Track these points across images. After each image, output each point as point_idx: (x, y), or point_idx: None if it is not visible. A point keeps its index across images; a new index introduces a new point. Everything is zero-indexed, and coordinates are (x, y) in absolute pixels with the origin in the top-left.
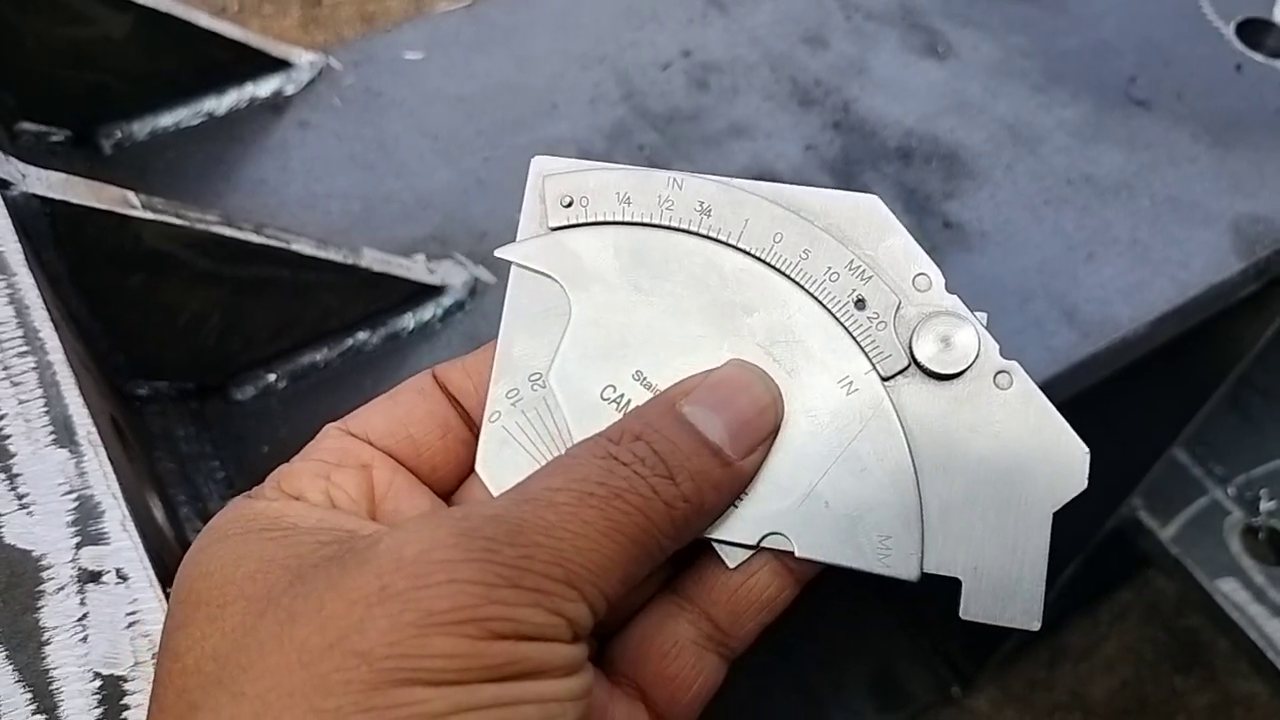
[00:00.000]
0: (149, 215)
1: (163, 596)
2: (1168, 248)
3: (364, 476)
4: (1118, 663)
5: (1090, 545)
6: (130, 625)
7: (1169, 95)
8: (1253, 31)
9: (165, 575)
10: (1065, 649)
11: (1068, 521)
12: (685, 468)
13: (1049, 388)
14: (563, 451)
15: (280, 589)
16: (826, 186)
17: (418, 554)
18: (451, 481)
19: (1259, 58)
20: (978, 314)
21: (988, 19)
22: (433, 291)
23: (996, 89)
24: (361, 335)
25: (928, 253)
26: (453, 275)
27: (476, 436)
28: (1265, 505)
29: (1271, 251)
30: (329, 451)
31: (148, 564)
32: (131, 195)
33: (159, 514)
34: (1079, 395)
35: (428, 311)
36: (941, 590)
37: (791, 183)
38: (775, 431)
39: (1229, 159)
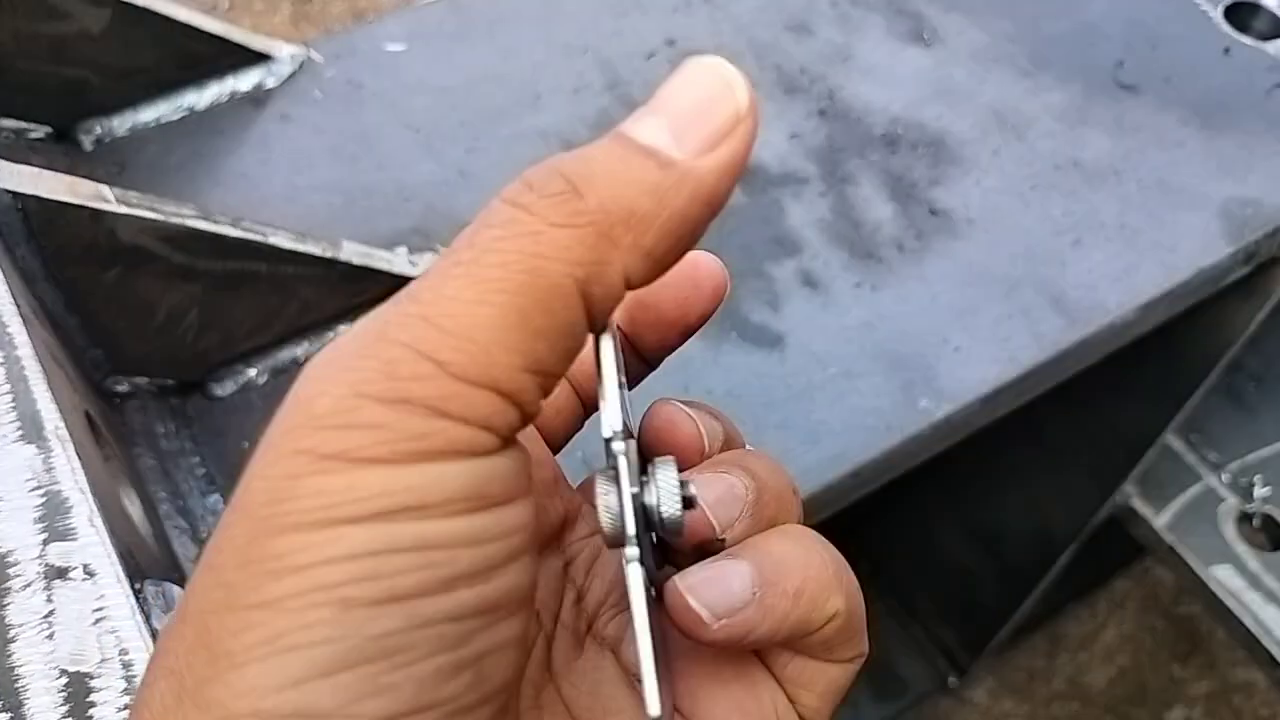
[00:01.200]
0: (123, 210)
1: (131, 594)
2: (1156, 232)
3: None
4: (1116, 651)
5: (1085, 533)
6: (97, 622)
7: (1157, 79)
8: (1241, 14)
9: (136, 572)
10: (1063, 638)
11: (1062, 509)
12: (596, 180)
13: (1037, 374)
14: None
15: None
16: (811, 174)
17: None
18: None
19: (1247, 40)
20: None
21: (973, 4)
22: None
23: (983, 74)
24: (342, 329)
25: (913, 240)
26: None
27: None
28: (1259, 491)
29: (1261, 235)
30: None
31: (115, 560)
32: (105, 189)
33: (135, 511)
34: (1069, 381)
35: None
36: (933, 580)
37: (776, 170)
38: (744, 122)
39: (1217, 142)
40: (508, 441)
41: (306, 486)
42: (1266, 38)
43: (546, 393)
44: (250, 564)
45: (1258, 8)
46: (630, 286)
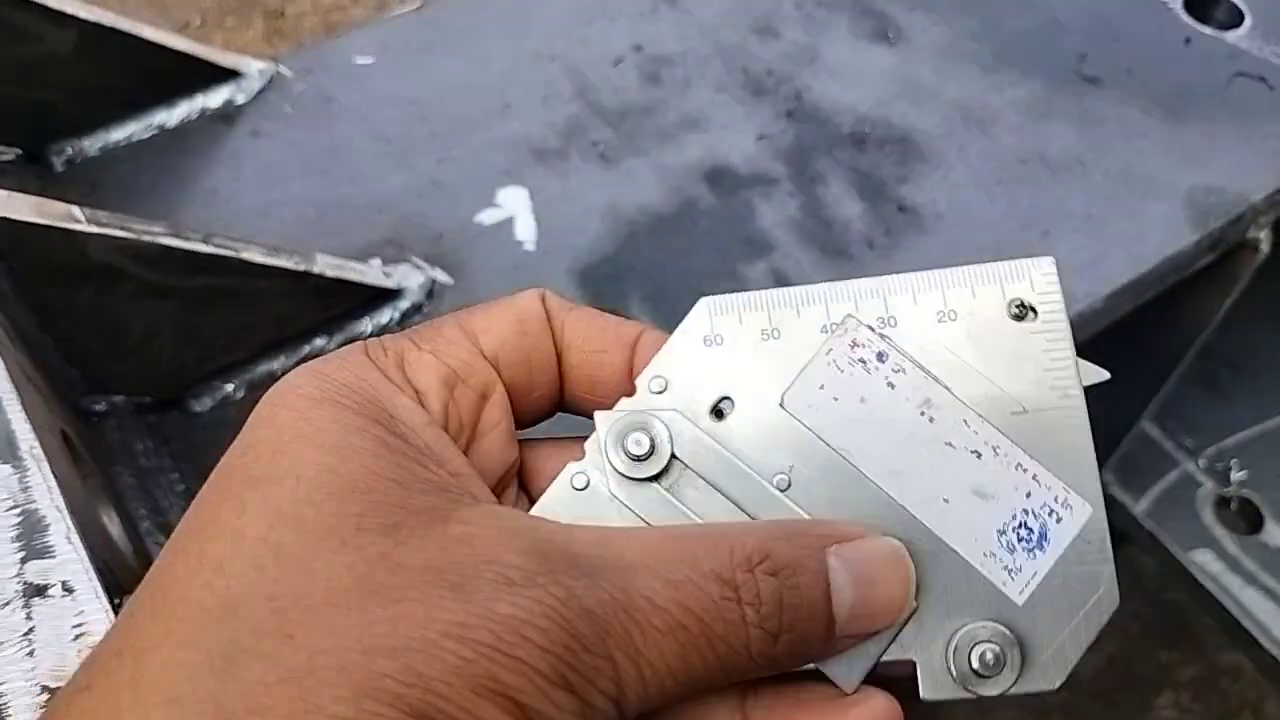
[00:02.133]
0: (94, 229)
1: (110, 609)
2: (1122, 222)
3: (479, 407)
4: (1103, 639)
5: None
6: (77, 638)
7: (1119, 71)
8: (1201, 5)
9: (115, 588)
10: None
11: None
12: (796, 628)
13: None
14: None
15: (377, 524)
16: (780, 174)
17: (508, 615)
18: (532, 421)
19: (1207, 30)
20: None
21: (936, 2)
22: (389, 295)
23: (947, 72)
24: (319, 341)
25: (883, 236)
26: (409, 278)
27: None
28: (1236, 475)
29: (1225, 222)
30: (461, 363)
31: (94, 576)
32: (76, 209)
33: (115, 529)
34: None
35: (385, 315)
36: None
37: (745, 172)
38: (889, 629)
39: (1180, 132)
40: None
41: None
42: (1226, 27)
43: None
44: None
45: None
46: None
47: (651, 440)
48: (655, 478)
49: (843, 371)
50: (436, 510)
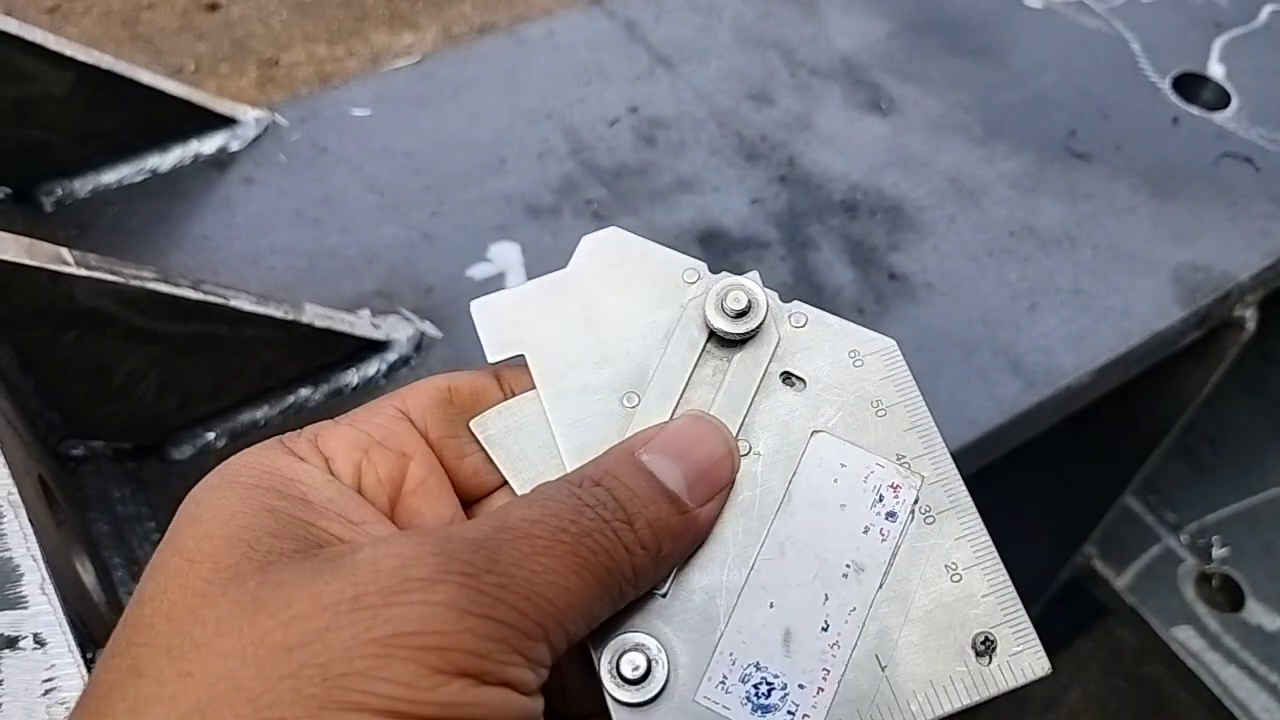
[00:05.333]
0: (82, 271)
1: (82, 663)
2: (1110, 296)
3: (400, 465)
4: (1081, 713)
5: (1047, 594)
6: (47, 693)
7: (1108, 148)
8: (1189, 85)
9: (88, 640)
10: (1028, 700)
11: (1024, 569)
12: (643, 514)
13: (996, 437)
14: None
15: (251, 567)
16: (772, 238)
17: (395, 567)
18: (484, 489)
19: (1195, 111)
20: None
21: (929, 74)
22: (377, 347)
23: (939, 143)
24: (304, 392)
25: (873, 304)
26: (398, 330)
27: None
28: (1218, 552)
29: (1212, 299)
30: (377, 427)
31: (67, 629)
32: (65, 251)
33: (89, 578)
34: (1028, 444)
35: (372, 367)
36: None
37: (738, 235)
38: (731, 482)
39: (1168, 209)
40: None
41: None
42: (1214, 108)
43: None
44: None
45: (1205, 79)
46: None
47: None
48: None
49: None
50: (315, 549)
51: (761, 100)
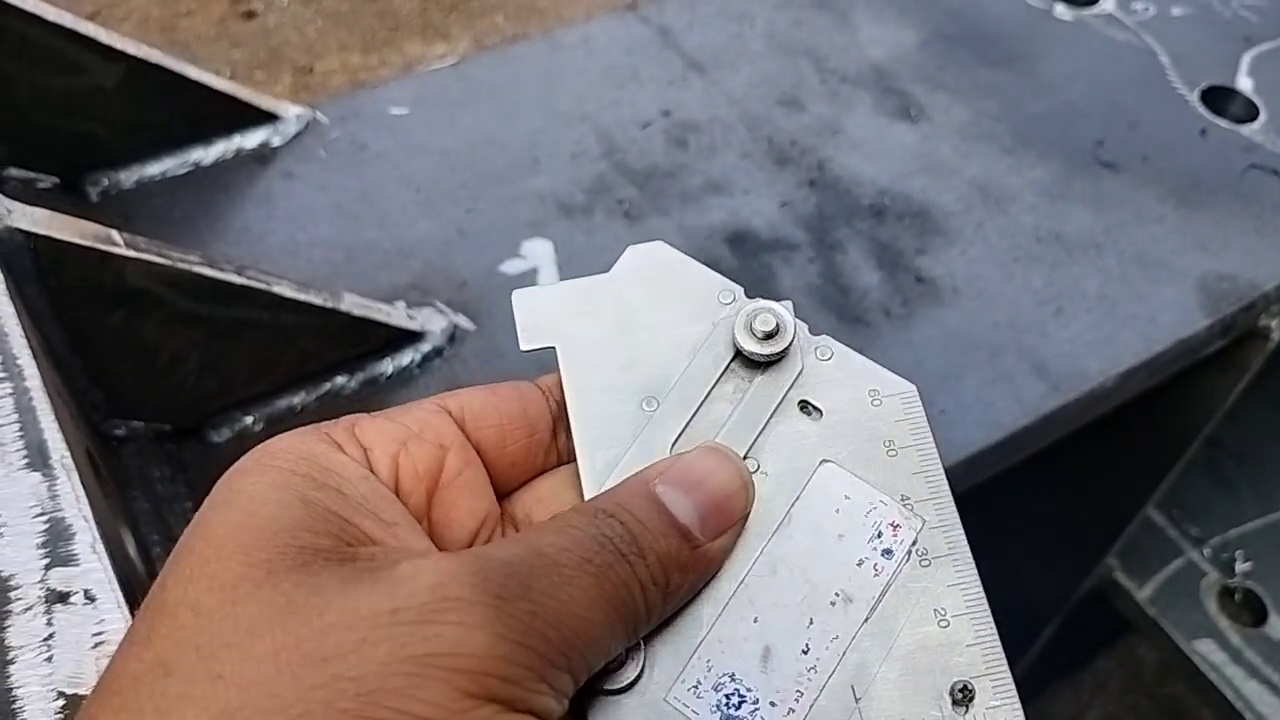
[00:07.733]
0: (131, 253)
1: (130, 618)
2: (1135, 304)
3: (438, 457)
4: None
5: (1068, 606)
6: (96, 645)
7: (1135, 158)
8: (1217, 98)
9: (133, 602)
10: (1048, 719)
11: (1045, 581)
12: (654, 548)
13: (1020, 439)
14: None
15: (284, 566)
16: (800, 240)
17: (433, 584)
18: (520, 480)
19: (1223, 123)
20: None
21: (958, 83)
22: (412, 337)
23: (967, 150)
24: (340, 379)
25: (900, 306)
26: (432, 322)
27: (560, 449)
28: (1241, 566)
29: (1237, 309)
30: (416, 420)
31: (116, 586)
32: (114, 233)
33: (131, 550)
34: (1051, 449)
35: (406, 357)
36: None
37: (767, 236)
38: (745, 517)
39: (1194, 219)
40: None
41: None
42: (1241, 121)
43: None
44: None
45: (1233, 92)
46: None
47: None
48: None
49: None
50: (346, 548)
51: (792, 106)
